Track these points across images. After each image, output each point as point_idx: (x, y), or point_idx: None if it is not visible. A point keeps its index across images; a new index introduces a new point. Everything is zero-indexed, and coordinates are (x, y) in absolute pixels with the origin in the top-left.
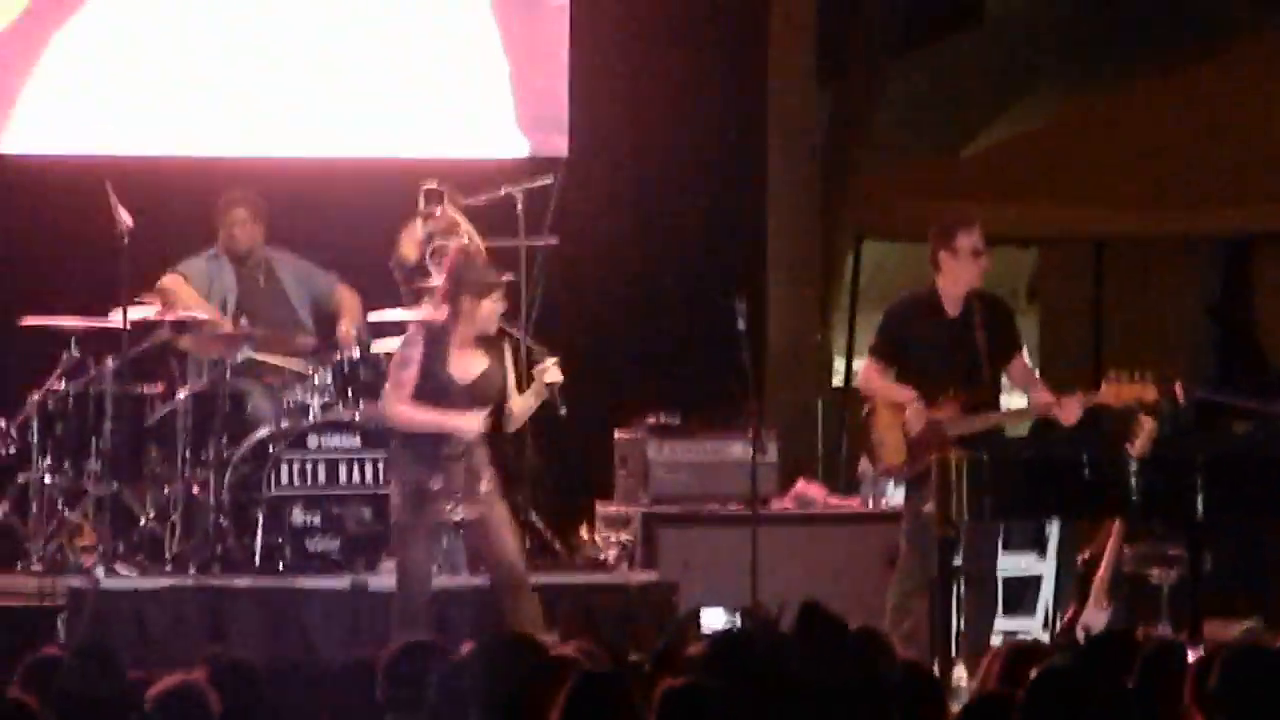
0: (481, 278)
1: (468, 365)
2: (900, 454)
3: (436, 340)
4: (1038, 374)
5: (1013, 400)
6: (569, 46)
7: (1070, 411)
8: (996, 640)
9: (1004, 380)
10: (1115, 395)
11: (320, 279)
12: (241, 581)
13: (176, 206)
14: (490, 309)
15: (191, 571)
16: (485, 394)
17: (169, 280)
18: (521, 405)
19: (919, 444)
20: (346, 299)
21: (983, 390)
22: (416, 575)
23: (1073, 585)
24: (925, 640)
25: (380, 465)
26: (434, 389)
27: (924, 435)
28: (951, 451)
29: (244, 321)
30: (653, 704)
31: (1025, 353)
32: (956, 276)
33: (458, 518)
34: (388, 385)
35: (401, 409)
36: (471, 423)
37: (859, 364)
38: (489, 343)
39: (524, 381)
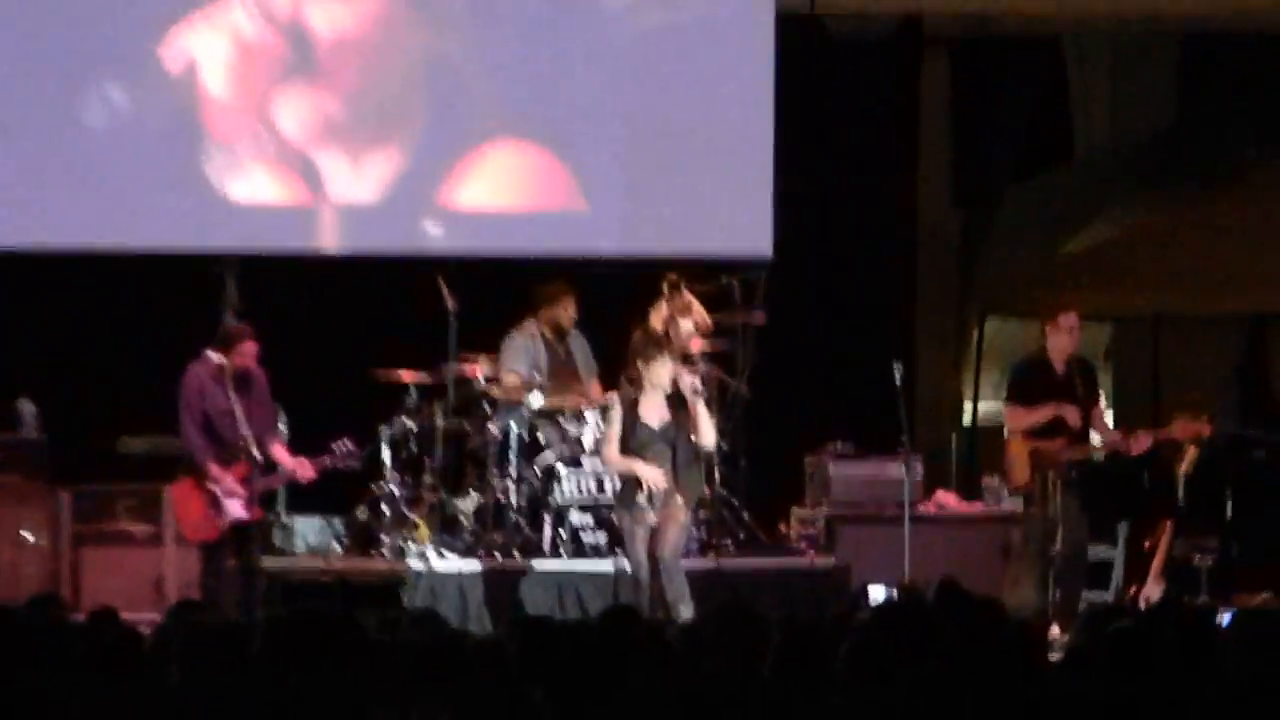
0: (646, 349)
1: (657, 415)
2: (1026, 474)
3: (630, 399)
4: (1109, 418)
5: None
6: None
7: (1140, 444)
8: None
9: None
10: (1181, 430)
11: (593, 364)
12: (536, 565)
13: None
14: (659, 370)
15: (499, 558)
16: (671, 436)
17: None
18: (705, 431)
19: (1038, 466)
20: (596, 388)
21: (1081, 429)
22: (636, 562)
23: (1136, 567)
24: (1030, 606)
25: None
26: (634, 434)
27: (1043, 459)
28: (1053, 471)
29: (539, 379)
30: (839, 655)
31: (1102, 402)
32: (1057, 344)
33: (653, 521)
34: (603, 437)
35: (608, 456)
36: (651, 473)
37: (983, 406)
38: (676, 398)
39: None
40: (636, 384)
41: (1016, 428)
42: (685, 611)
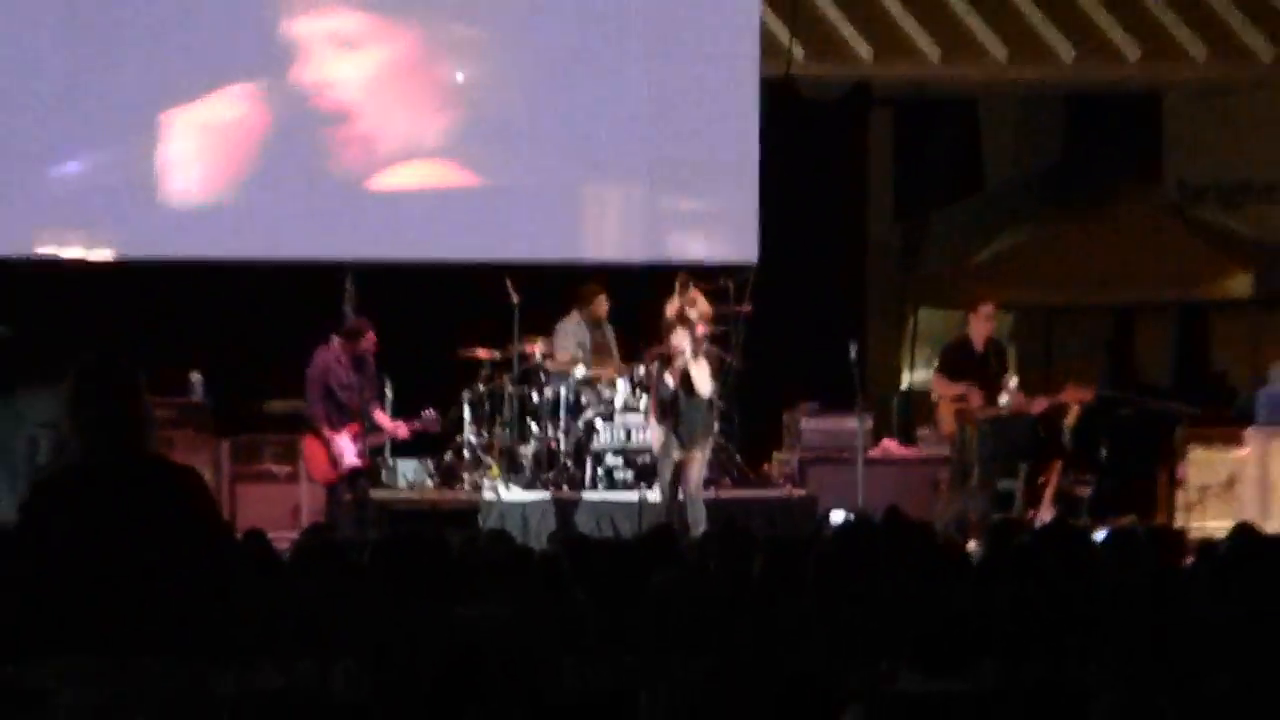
0: (672, 327)
1: (675, 378)
2: (951, 426)
3: (661, 364)
4: (1015, 384)
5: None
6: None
7: (1039, 406)
8: None
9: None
10: (1070, 395)
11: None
12: (579, 495)
13: (531, 288)
14: (676, 340)
15: (551, 490)
16: (688, 392)
17: (555, 335)
18: (703, 387)
19: (960, 421)
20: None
21: (993, 391)
22: (665, 489)
23: (1033, 497)
24: (954, 524)
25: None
26: (658, 392)
27: (964, 416)
28: (973, 424)
29: (582, 355)
30: (809, 564)
31: (1010, 374)
32: (978, 329)
33: (677, 457)
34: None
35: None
36: (654, 433)
37: (918, 375)
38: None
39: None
40: (665, 356)
41: (939, 393)
42: (701, 531)
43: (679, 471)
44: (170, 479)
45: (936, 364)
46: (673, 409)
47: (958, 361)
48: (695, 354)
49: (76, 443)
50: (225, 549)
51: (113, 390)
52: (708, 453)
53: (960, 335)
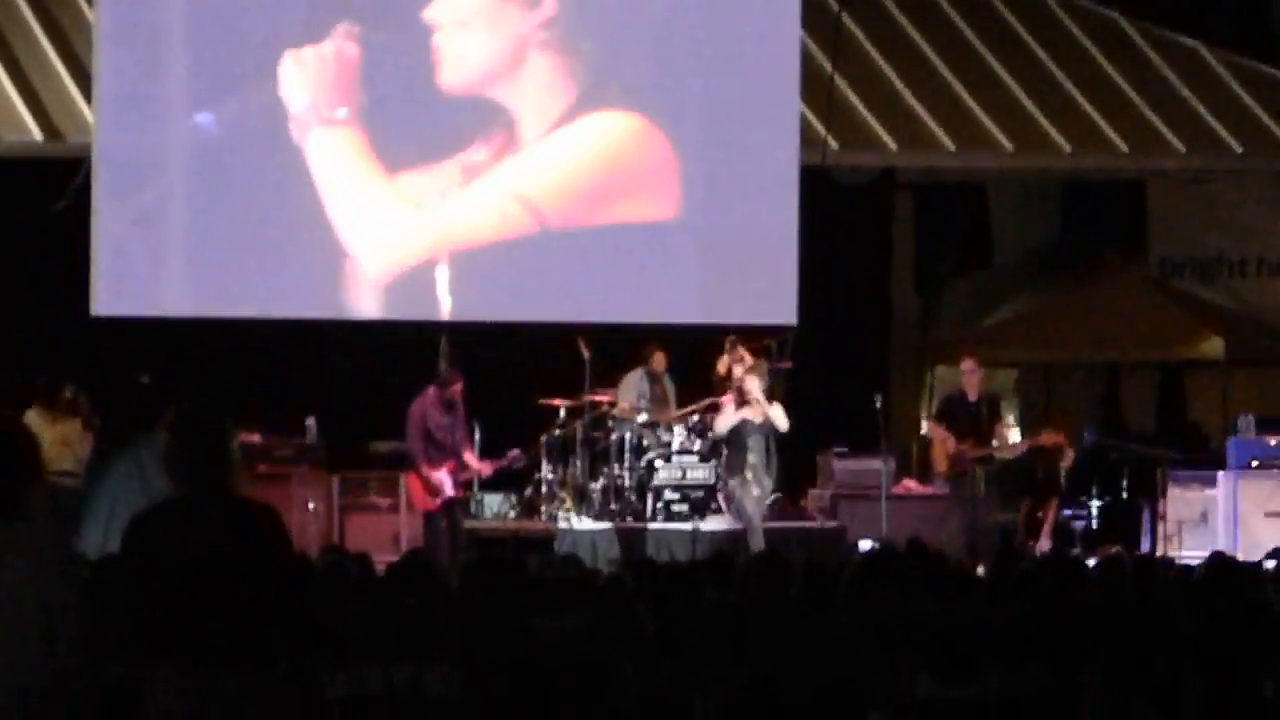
0: (749, 373)
1: (756, 415)
2: (945, 466)
3: (735, 402)
4: (1013, 431)
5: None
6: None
7: (1018, 449)
8: None
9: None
10: (1045, 439)
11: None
12: (641, 525)
13: (600, 345)
14: (751, 382)
15: (617, 521)
16: (765, 430)
17: (620, 386)
18: (781, 423)
19: (955, 461)
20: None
21: (984, 436)
22: (746, 516)
23: (1033, 529)
24: (962, 553)
25: (706, 470)
26: (741, 428)
27: (957, 456)
28: (974, 464)
29: (644, 404)
30: (839, 585)
31: (1004, 421)
32: (967, 381)
33: (755, 493)
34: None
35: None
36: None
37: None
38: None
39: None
40: (740, 398)
41: (932, 436)
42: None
43: (750, 500)
44: (247, 515)
45: (934, 412)
46: (754, 442)
47: (947, 412)
48: (768, 397)
49: (169, 481)
50: (292, 575)
51: (201, 435)
52: (771, 486)
53: (957, 388)
